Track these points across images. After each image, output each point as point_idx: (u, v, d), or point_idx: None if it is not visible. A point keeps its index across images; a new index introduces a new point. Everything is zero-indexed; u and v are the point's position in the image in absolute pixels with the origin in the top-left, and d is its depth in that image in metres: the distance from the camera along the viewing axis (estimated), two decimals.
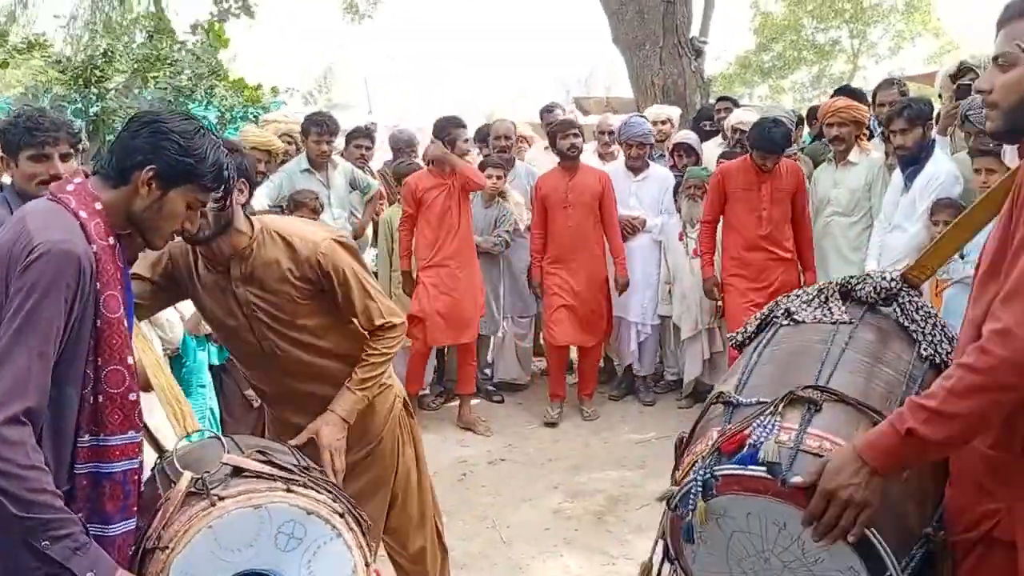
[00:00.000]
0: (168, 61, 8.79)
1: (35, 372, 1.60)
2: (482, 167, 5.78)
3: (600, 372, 6.27)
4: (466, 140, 5.41)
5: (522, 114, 7.89)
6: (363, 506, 2.30)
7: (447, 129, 5.30)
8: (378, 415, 2.73)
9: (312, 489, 1.95)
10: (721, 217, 5.23)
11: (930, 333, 1.98)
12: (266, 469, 1.94)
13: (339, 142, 6.19)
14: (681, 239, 5.66)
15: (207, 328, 3.88)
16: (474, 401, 5.69)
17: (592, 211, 5.43)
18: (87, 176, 1.84)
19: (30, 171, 2.71)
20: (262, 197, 5.23)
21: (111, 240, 1.77)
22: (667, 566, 2.00)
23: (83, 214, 1.73)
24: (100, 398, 1.73)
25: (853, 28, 23.73)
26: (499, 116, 6.53)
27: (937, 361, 1.94)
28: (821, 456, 1.61)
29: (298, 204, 5.00)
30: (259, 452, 2.00)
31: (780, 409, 1.70)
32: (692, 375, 5.81)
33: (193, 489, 1.86)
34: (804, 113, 6.80)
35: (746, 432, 1.69)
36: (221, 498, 1.83)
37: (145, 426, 1.93)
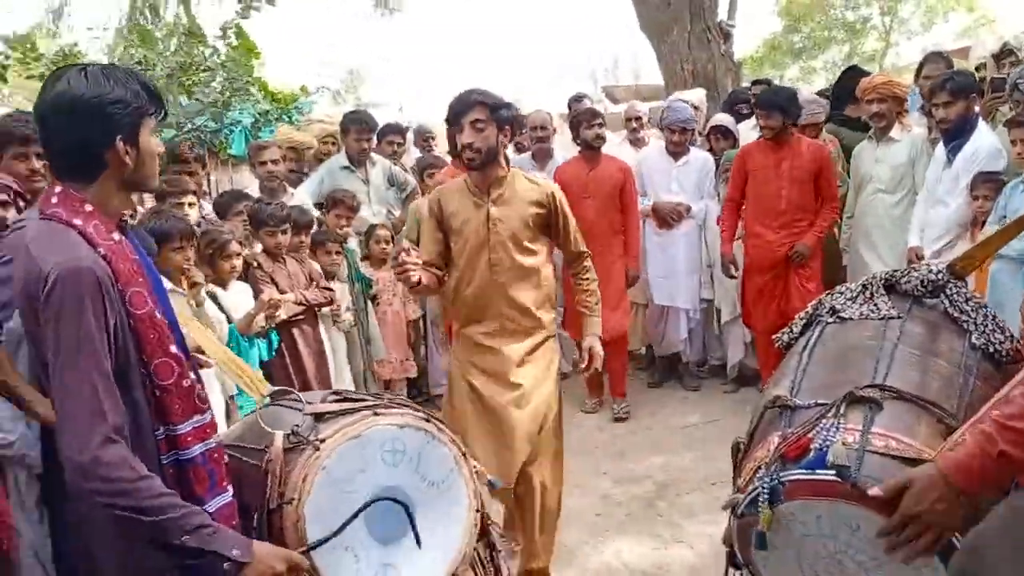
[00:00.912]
0: (202, 67, 8.93)
1: (102, 390, 1.63)
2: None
3: (639, 358, 6.27)
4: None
5: (552, 105, 7.88)
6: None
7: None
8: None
9: (395, 407, 2.13)
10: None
11: (981, 323, 1.97)
12: (347, 406, 2.10)
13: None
14: (719, 223, 5.63)
15: (257, 327, 3.97)
16: None
17: (613, 202, 5.28)
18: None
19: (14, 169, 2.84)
20: (303, 193, 5.32)
21: (116, 236, 1.77)
22: (732, 571, 2.01)
23: (78, 221, 1.71)
24: (157, 392, 1.77)
25: (883, 5, 23.35)
26: (527, 107, 6.52)
27: (990, 350, 1.92)
28: (889, 456, 1.59)
29: (336, 202, 5.07)
30: (333, 394, 2.19)
31: (842, 410, 1.69)
32: (735, 359, 5.79)
33: (289, 445, 1.98)
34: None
35: (810, 436, 1.68)
36: (322, 440, 1.97)
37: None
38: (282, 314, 4.13)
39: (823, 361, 1.94)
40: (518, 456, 3.24)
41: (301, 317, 4.33)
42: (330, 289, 4.50)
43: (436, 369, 5.90)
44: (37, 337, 1.69)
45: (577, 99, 7.14)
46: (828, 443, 1.64)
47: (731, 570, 2.03)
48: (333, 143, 5.94)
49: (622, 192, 5.33)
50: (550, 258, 3.47)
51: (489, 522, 2.29)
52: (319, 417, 2.07)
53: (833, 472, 1.60)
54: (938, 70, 5.11)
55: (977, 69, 5.82)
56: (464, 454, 2.19)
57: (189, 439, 1.80)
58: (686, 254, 5.67)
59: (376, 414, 2.07)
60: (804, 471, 1.65)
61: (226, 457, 1.93)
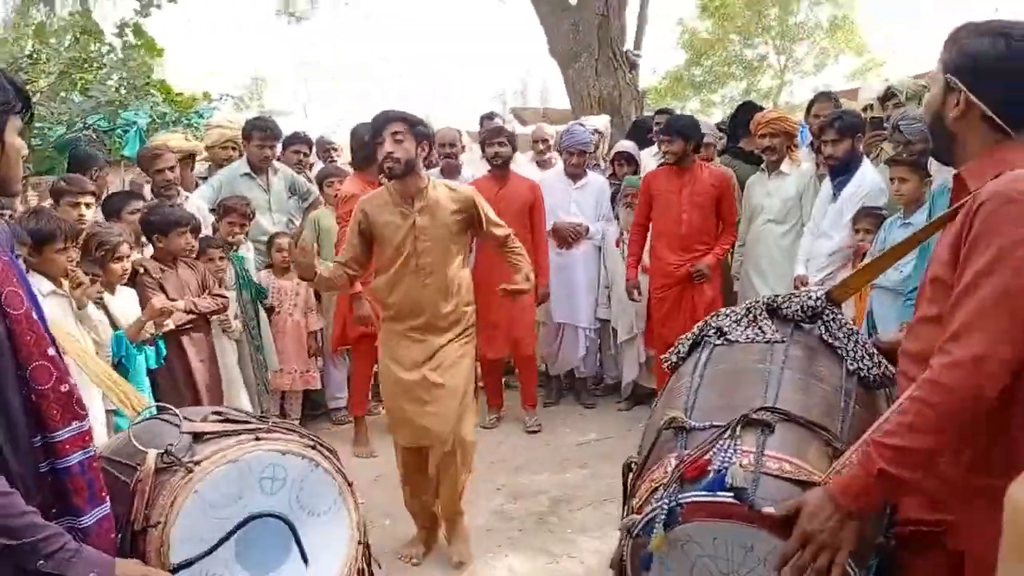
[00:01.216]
0: (96, 64, 8.60)
1: None
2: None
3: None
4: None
5: (463, 123, 7.93)
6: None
7: (373, 140, 5.21)
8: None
9: (278, 432, 2.03)
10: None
11: (853, 349, 2.04)
12: (228, 427, 1.99)
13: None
14: (618, 245, 5.78)
15: (146, 334, 3.84)
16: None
17: (522, 220, 5.30)
18: None
19: None
20: (199, 199, 5.18)
21: None
22: None
23: None
24: (34, 397, 1.66)
25: (779, 45, 24.50)
26: (437, 124, 6.53)
27: (863, 375, 2.02)
28: (782, 478, 1.64)
29: (228, 210, 4.95)
30: (215, 414, 2.07)
31: (738, 432, 1.73)
32: (630, 378, 5.93)
33: (162, 464, 1.88)
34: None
35: (707, 457, 1.71)
36: (197, 463, 1.87)
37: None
38: (170, 323, 4.01)
39: (714, 383, 1.97)
40: (439, 426, 3.66)
41: (190, 325, 4.20)
42: (223, 296, 4.39)
43: (333, 382, 5.81)
44: None
45: (489, 117, 7.22)
46: (726, 464, 1.67)
47: None
48: (234, 148, 5.80)
49: (532, 210, 5.40)
50: (467, 257, 3.90)
51: (370, 558, 2.23)
52: (197, 437, 1.96)
53: (731, 494, 1.63)
54: (827, 108, 5.40)
55: (864, 110, 6.16)
56: (350, 484, 2.11)
57: (67, 447, 1.69)
58: (585, 273, 5.81)
59: (258, 438, 1.97)
60: (704, 493, 1.68)
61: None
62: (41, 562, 1.56)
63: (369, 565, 2.24)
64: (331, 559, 2.04)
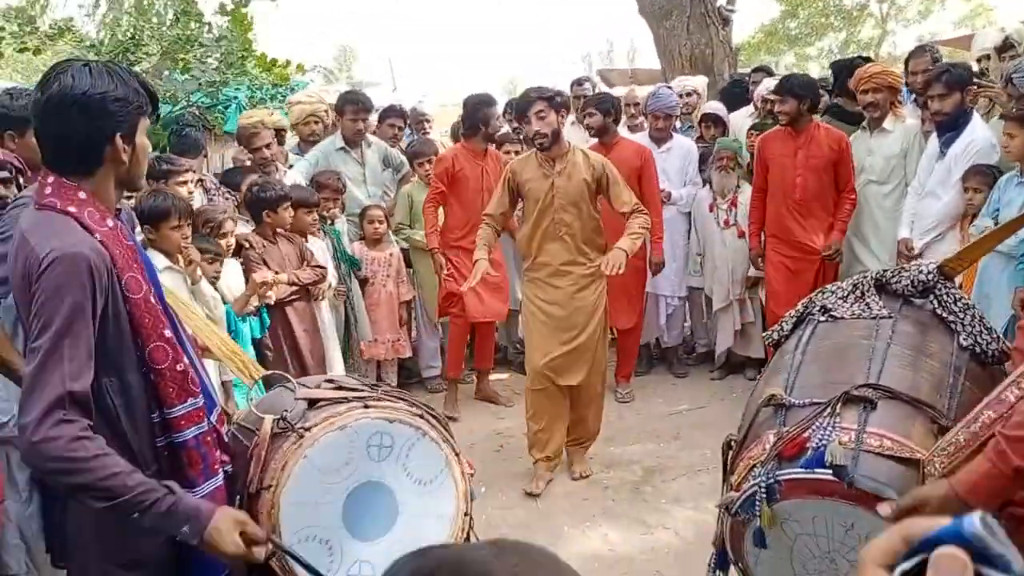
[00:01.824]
0: (197, 43, 8.86)
1: (71, 369, 1.63)
2: (499, 144, 5.76)
3: None
4: (498, 118, 5.33)
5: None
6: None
7: (479, 109, 5.26)
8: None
9: (387, 400, 2.08)
10: None
11: (969, 324, 1.97)
12: (340, 394, 2.06)
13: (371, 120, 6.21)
14: (712, 210, 5.65)
15: (251, 307, 3.99)
16: (505, 375, 5.71)
17: (631, 187, 5.22)
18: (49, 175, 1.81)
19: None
20: (297, 174, 5.30)
21: (110, 223, 1.78)
22: (718, 572, 2.01)
23: (72, 209, 1.73)
24: (152, 376, 1.79)
25: None
26: (521, 90, 6.49)
27: (977, 351, 1.93)
28: (884, 455, 1.60)
29: (321, 186, 5.06)
30: (327, 382, 2.15)
31: (838, 409, 1.69)
32: (724, 346, 5.83)
33: (277, 430, 1.97)
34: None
35: (806, 435, 1.69)
36: (307, 429, 1.94)
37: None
38: (272, 296, 4.15)
39: (816, 360, 1.95)
40: (582, 361, 4.27)
41: (296, 296, 4.34)
42: (322, 267, 4.51)
43: (426, 351, 5.92)
44: (28, 321, 1.70)
45: (579, 83, 7.13)
46: (825, 442, 1.65)
47: (717, 571, 2.04)
48: (316, 122, 5.86)
49: (640, 176, 5.13)
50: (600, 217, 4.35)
51: (471, 528, 2.21)
52: (312, 404, 2.03)
53: (830, 471, 1.61)
54: (924, 63, 5.12)
55: (978, 61, 5.83)
56: (457, 454, 2.12)
57: (183, 423, 1.82)
58: (668, 241, 5.66)
59: (367, 406, 2.02)
60: (802, 470, 1.66)
61: (227, 437, 1.95)
62: (135, 516, 1.65)
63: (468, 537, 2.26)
64: (437, 528, 2.05)
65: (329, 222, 5.14)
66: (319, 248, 4.73)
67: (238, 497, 1.94)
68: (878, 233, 5.05)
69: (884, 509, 1.56)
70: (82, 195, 1.76)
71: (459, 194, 5.29)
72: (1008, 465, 1.49)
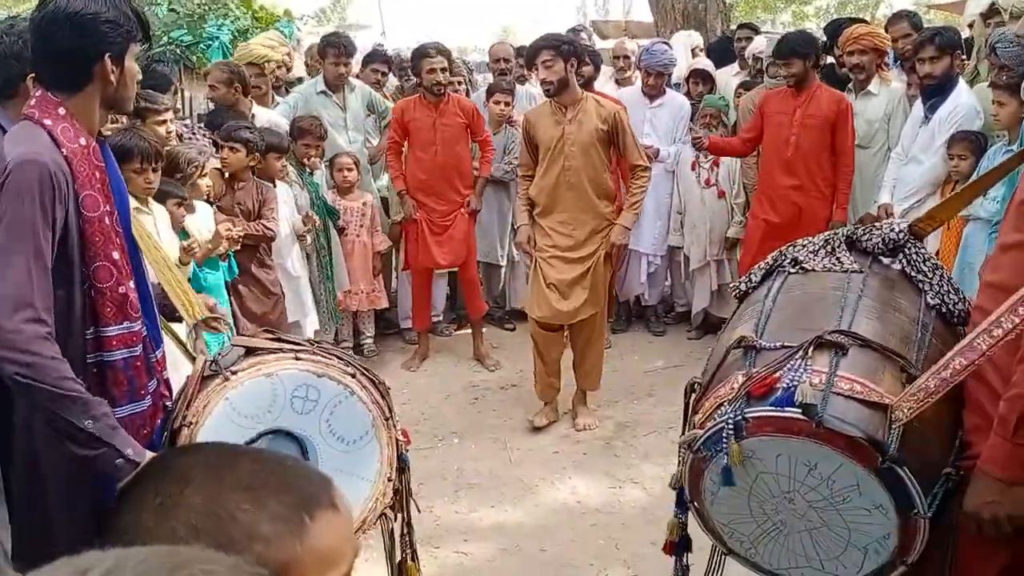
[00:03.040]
0: None
1: (35, 273, 1.72)
2: (489, 92, 5.74)
3: None
4: (431, 70, 5.08)
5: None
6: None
7: (415, 62, 5.23)
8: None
9: (320, 355, 2.07)
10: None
11: (937, 283, 1.99)
12: (275, 345, 2.08)
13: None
14: (694, 168, 5.62)
15: (220, 249, 3.94)
16: (483, 329, 5.71)
17: None
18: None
19: None
20: (277, 116, 5.21)
21: (82, 141, 1.86)
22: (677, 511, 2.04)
23: (48, 122, 1.83)
24: (92, 293, 1.87)
25: None
26: (515, 38, 6.42)
27: (944, 310, 1.95)
28: (853, 398, 1.63)
29: (302, 131, 4.96)
30: (267, 331, 2.19)
31: (810, 353, 1.71)
32: (700, 306, 5.84)
33: (208, 372, 2.01)
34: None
35: (777, 375, 1.70)
36: (234, 372, 1.98)
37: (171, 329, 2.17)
38: (222, 248, 4.06)
39: (788, 307, 1.96)
40: (587, 305, 4.35)
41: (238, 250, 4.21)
42: (270, 228, 4.34)
43: (407, 301, 5.91)
44: None
45: (574, 31, 7.03)
46: (795, 383, 1.66)
47: (676, 510, 2.07)
48: (279, 67, 5.69)
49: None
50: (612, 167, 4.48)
51: (407, 495, 2.21)
52: (249, 352, 2.05)
53: (799, 411, 1.63)
54: (903, 29, 5.11)
55: (969, 26, 5.78)
56: (388, 419, 2.09)
57: (114, 343, 1.91)
58: (653, 199, 5.60)
59: (297, 358, 2.03)
60: (771, 408, 1.68)
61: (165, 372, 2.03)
62: (88, 422, 1.72)
63: (406, 507, 2.23)
64: (355, 489, 2.02)
65: (308, 171, 5.05)
66: (285, 196, 4.62)
67: (164, 431, 2.00)
68: (859, 195, 5.03)
69: (833, 423, 1.61)
70: (61, 111, 1.85)
71: (413, 145, 5.28)
72: (1007, 429, 1.55)
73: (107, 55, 1.85)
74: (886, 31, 5.33)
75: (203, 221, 4.00)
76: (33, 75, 1.96)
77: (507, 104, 5.66)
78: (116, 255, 1.89)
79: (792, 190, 4.93)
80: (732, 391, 1.75)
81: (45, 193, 1.74)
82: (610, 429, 4.56)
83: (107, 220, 1.87)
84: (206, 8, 8.21)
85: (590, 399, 4.69)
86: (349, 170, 5.30)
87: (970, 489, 1.59)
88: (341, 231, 5.28)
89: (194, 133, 4.80)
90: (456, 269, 5.60)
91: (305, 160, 4.96)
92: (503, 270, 6.13)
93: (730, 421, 1.71)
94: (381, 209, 5.66)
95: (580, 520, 3.68)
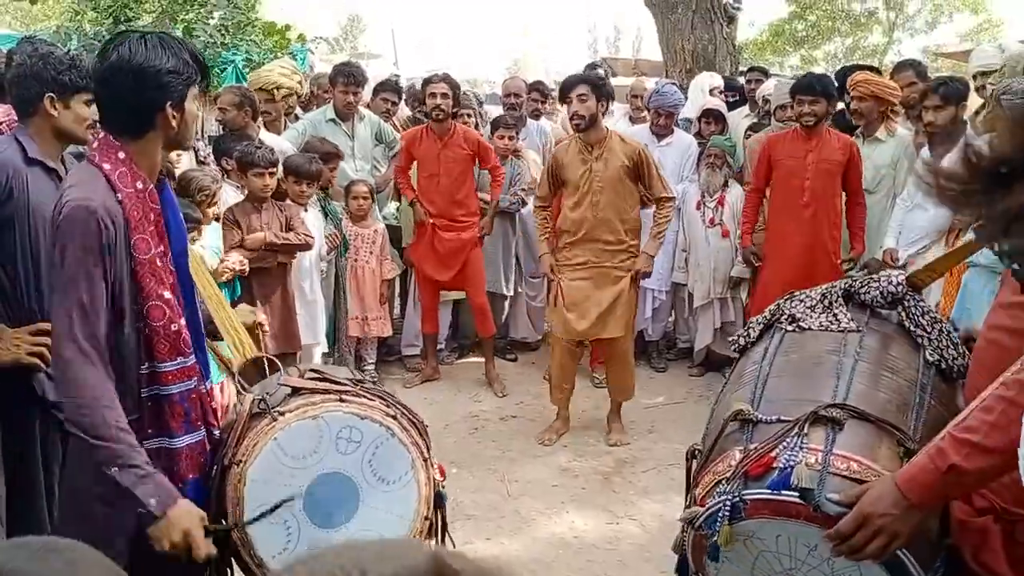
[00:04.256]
0: (199, 2, 8.77)
1: (79, 318, 1.81)
2: (494, 126, 5.81)
3: None
4: (443, 95, 5.16)
5: (554, 70, 7.85)
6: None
7: (422, 89, 5.39)
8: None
9: (364, 397, 2.15)
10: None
11: (936, 338, 1.96)
12: (320, 385, 2.15)
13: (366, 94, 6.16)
14: (699, 208, 5.65)
15: (223, 279, 3.98)
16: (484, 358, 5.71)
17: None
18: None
19: (84, 114, 2.71)
20: (284, 142, 5.25)
21: (139, 185, 1.92)
22: None
23: (106, 166, 1.89)
24: (147, 331, 1.93)
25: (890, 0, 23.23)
26: (525, 72, 6.52)
27: (943, 367, 1.93)
28: (850, 478, 1.60)
29: (328, 156, 4.99)
30: (313, 371, 2.25)
31: (805, 429, 1.68)
32: (703, 343, 5.84)
33: (257, 409, 2.08)
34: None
35: (773, 454, 1.68)
36: (281, 413, 2.05)
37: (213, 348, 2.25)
38: (239, 267, 4.12)
39: (784, 373, 1.93)
40: (616, 324, 4.61)
41: (264, 265, 4.30)
42: (309, 235, 4.46)
43: (411, 328, 5.91)
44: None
45: (591, 67, 7.13)
46: (792, 463, 1.64)
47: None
48: (290, 94, 5.71)
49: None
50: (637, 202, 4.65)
51: (443, 530, 2.27)
52: (294, 391, 2.13)
53: (796, 494, 1.61)
54: (907, 78, 5.17)
55: (974, 77, 5.84)
56: (426, 459, 2.18)
57: (170, 377, 1.98)
58: None
59: (342, 399, 2.10)
60: (767, 491, 1.66)
61: (215, 403, 2.10)
62: (115, 469, 1.80)
63: (441, 542, 2.29)
64: (395, 526, 2.11)
65: (327, 198, 5.08)
66: (313, 218, 4.70)
67: (215, 466, 2.06)
68: (867, 241, 5.04)
69: (834, 509, 1.57)
70: (121, 155, 1.91)
71: (419, 172, 5.42)
72: (944, 462, 1.50)
73: (168, 104, 1.92)
74: (891, 79, 5.39)
75: (208, 240, 4.05)
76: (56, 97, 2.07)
77: (510, 138, 5.73)
78: (167, 294, 1.95)
79: (804, 235, 4.90)
80: (729, 468, 1.73)
81: (95, 236, 1.81)
82: (609, 464, 4.55)
83: (159, 261, 1.94)
84: (225, 36, 8.31)
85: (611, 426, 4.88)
86: (364, 198, 5.36)
87: (874, 491, 1.54)
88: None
89: (207, 157, 4.85)
90: (463, 297, 5.63)
91: (299, 197, 4.72)
92: (506, 301, 6.14)
93: (727, 504, 1.69)
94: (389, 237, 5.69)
95: (577, 556, 3.66)
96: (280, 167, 4.45)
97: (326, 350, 4.90)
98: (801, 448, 1.66)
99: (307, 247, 4.48)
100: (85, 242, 1.81)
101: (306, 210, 4.66)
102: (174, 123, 1.95)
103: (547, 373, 5.71)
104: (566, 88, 4.45)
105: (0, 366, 2.54)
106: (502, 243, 5.90)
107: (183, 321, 2.00)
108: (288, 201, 4.56)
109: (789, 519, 1.64)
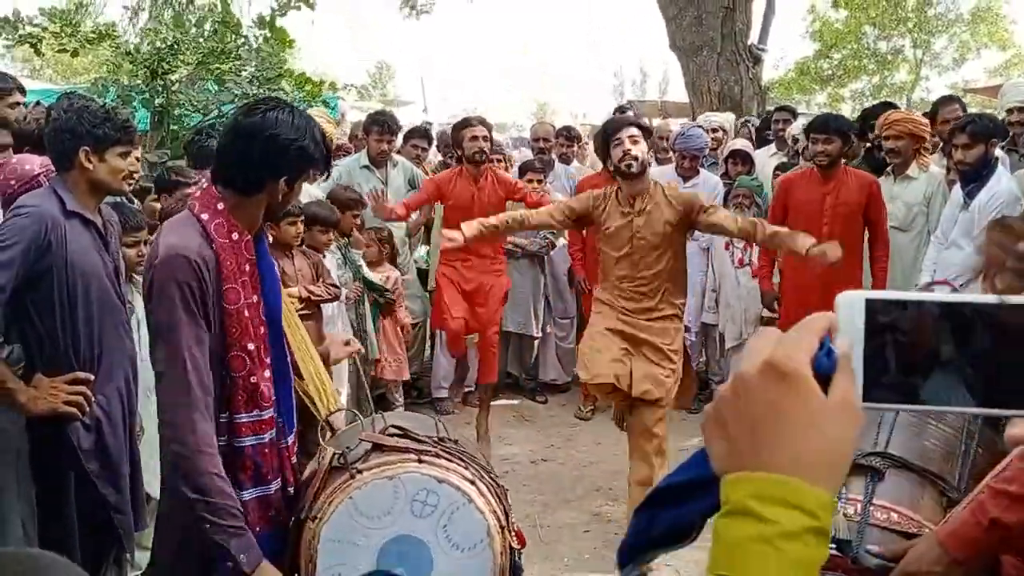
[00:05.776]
0: (233, 55, 8.99)
1: (191, 366, 1.84)
2: (522, 171, 5.83)
3: None
4: (473, 138, 5.14)
5: (581, 113, 7.94)
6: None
7: (455, 132, 5.31)
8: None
9: (443, 459, 2.09)
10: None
11: None
12: (401, 443, 2.09)
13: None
14: (727, 248, 5.64)
15: None
16: (515, 400, 5.68)
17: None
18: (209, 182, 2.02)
19: (120, 166, 2.76)
20: (317, 189, 5.33)
21: (235, 236, 1.95)
22: None
23: (204, 216, 1.92)
24: (227, 380, 1.94)
25: (916, 37, 23.21)
26: (551, 117, 6.60)
27: None
28: (891, 530, 1.58)
29: (353, 203, 5.06)
30: (395, 427, 2.17)
31: (844, 479, 1.67)
32: None
33: (336, 464, 2.05)
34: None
35: None
36: (360, 471, 2.01)
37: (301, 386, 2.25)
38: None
39: None
40: (657, 385, 4.02)
41: (305, 312, 4.34)
42: (336, 286, 4.51)
43: (440, 370, 5.92)
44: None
45: (621, 110, 7.20)
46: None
47: None
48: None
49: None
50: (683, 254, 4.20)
51: None
52: (376, 447, 2.09)
53: (834, 545, 1.58)
54: (953, 113, 5.11)
55: (1009, 112, 5.80)
56: (503, 527, 2.10)
57: (244, 429, 1.98)
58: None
59: (420, 460, 2.05)
60: None
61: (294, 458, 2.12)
62: (208, 526, 1.81)
63: None
64: None
65: (348, 246, 5.12)
66: (333, 265, 4.73)
67: (292, 518, 2.05)
68: (898, 280, 4.99)
69: (874, 563, 1.54)
70: (220, 206, 1.94)
71: (450, 216, 5.23)
72: (985, 516, 1.47)
73: (284, 178, 1.96)
74: (935, 114, 5.34)
75: None
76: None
77: (539, 182, 5.76)
78: (251, 346, 1.96)
79: (823, 283, 4.62)
80: None
81: (189, 283, 1.84)
82: None
83: (247, 312, 1.95)
84: (258, 88, 8.48)
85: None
86: (368, 246, 5.33)
87: (917, 550, 1.51)
88: (389, 305, 5.28)
89: None
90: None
91: (322, 246, 4.75)
92: (536, 342, 6.13)
93: None
94: (419, 280, 5.72)
95: None
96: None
97: (349, 393, 4.89)
98: (839, 498, 1.63)
99: (336, 299, 4.50)
100: (179, 288, 1.84)
101: (324, 256, 4.69)
102: (280, 195, 1.99)
103: (581, 408, 5.72)
104: (617, 127, 4.00)
105: (37, 415, 2.55)
106: (531, 285, 5.92)
107: (266, 374, 2.00)
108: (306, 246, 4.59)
109: (826, 571, 1.60)
